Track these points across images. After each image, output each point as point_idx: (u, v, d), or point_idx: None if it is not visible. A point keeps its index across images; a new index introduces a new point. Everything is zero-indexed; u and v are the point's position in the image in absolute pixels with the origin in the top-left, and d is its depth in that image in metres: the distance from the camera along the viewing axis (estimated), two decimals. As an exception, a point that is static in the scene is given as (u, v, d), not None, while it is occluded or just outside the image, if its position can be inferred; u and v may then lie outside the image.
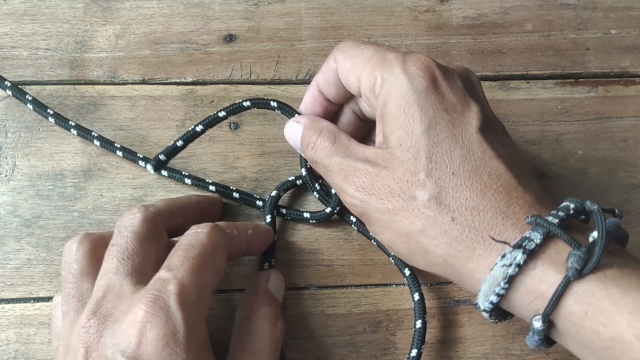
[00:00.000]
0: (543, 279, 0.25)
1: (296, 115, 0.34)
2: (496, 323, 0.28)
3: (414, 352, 0.32)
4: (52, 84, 0.39)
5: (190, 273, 0.27)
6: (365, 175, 0.29)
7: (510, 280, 0.25)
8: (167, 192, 0.37)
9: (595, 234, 0.25)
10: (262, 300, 0.32)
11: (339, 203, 0.35)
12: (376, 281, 0.36)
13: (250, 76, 0.40)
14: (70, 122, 0.37)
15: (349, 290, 0.36)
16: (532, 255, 0.25)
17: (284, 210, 0.36)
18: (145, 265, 0.28)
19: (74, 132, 0.37)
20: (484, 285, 0.26)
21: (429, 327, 0.35)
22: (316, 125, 0.32)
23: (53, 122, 0.37)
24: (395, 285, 0.36)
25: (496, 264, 0.26)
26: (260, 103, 0.35)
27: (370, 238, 0.36)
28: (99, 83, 0.40)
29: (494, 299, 0.26)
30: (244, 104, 0.35)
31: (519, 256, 0.25)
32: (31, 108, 0.37)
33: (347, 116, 0.35)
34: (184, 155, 0.38)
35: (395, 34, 0.42)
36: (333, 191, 0.35)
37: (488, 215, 0.27)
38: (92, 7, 0.41)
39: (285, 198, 0.37)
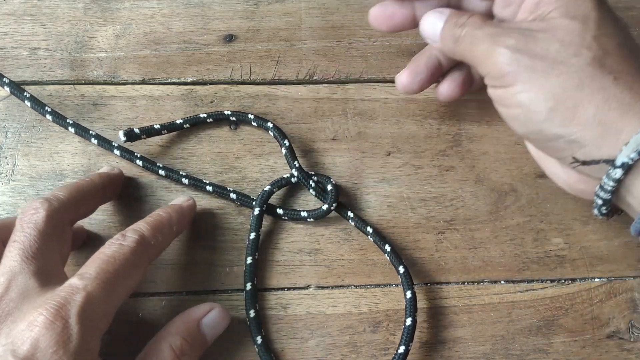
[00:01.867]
0: None
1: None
2: (600, 213, 0.29)
3: (401, 349, 0.32)
4: (52, 84, 0.39)
5: (101, 288, 0.27)
6: (520, 36, 0.29)
7: None
8: (167, 191, 0.37)
9: None
10: (183, 331, 0.30)
11: (336, 199, 0.35)
12: (376, 281, 0.36)
13: (250, 76, 0.40)
14: (67, 120, 0.37)
15: (349, 290, 0.36)
16: None
17: (280, 211, 0.36)
18: (49, 264, 0.28)
19: (72, 130, 0.37)
20: (637, 135, 0.26)
21: (429, 327, 0.35)
22: (461, 12, 0.32)
23: (51, 119, 0.37)
24: (395, 285, 0.36)
25: None
26: (239, 115, 0.38)
27: (367, 234, 0.36)
28: (99, 83, 0.40)
29: (635, 155, 0.26)
30: (225, 112, 0.38)
31: None
32: (29, 105, 0.37)
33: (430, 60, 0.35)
34: (184, 155, 0.38)
35: (395, 34, 0.42)
36: (329, 187, 0.36)
37: None
38: (92, 7, 0.41)
39: (282, 199, 0.37)
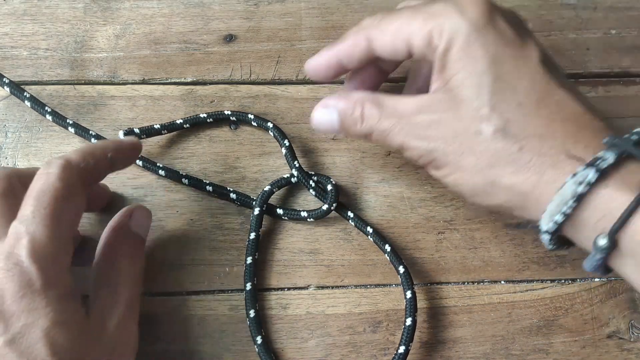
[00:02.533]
0: (614, 197, 0.25)
1: (321, 104, 0.33)
2: (553, 250, 0.29)
3: (401, 349, 0.32)
4: (52, 84, 0.39)
5: (43, 225, 0.26)
6: (429, 125, 0.29)
7: (580, 199, 0.25)
8: (167, 192, 0.37)
9: None
10: (122, 240, 0.32)
11: (336, 199, 0.35)
12: (376, 281, 0.36)
13: (250, 76, 0.40)
14: (67, 120, 0.37)
15: (349, 290, 0.36)
16: (604, 174, 0.25)
17: (280, 211, 0.36)
18: (1, 223, 0.28)
19: (72, 130, 0.37)
20: (551, 204, 0.26)
21: (429, 327, 0.35)
22: (351, 101, 0.31)
23: (51, 119, 0.37)
24: (395, 285, 0.36)
25: (566, 182, 0.26)
26: (239, 115, 0.38)
27: (367, 234, 0.36)
28: (99, 83, 0.40)
29: (559, 218, 0.26)
30: (226, 112, 0.38)
31: (591, 174, 0.25)
32: (29, 105, 0.37)
33: (365, 72, 0.34)
34: (184, 155, 0.38)
35: (395, 34, 0.42)
36: (329, 187, 0.36)
37: (558, 141, 0.27)
38: (92, 7, 0.41)
39: (282, 199, 0.37)
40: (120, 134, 0.36)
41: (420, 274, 0.36)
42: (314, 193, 0.36)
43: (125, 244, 0.32)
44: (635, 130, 0.27)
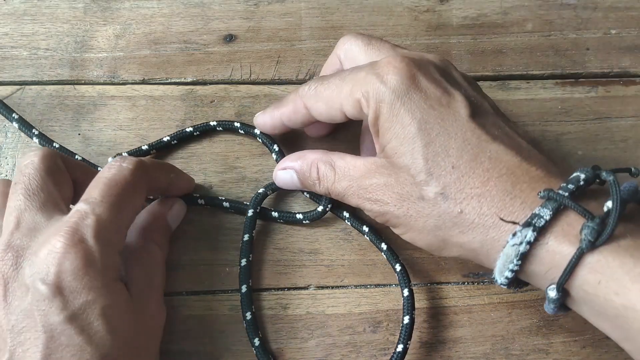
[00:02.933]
0: (557, 251, 0.26)
1: (279, 162, 0.35)
2: (516, 291, 0.29)
3: (399, 348, 0.32)
4: (52, 84, 0.39)
5: (109, 210, 0.28)
6: (378, 189, 0.30)
7: (523, 257, 0.26)
8: (167, 192, 0.37)
9: (609, 203, 0.25)
10: (157, 227, 0.33)
11: (331, 200, 0.35)
12: (376, 281, 0.36)
13: (250, 76, 0.40)
14: (33, 131, 0.37)
15: (349, 290, 0.36)
16: (542, 231, 0.26)
17: (275, 214, 0.36)
18: (52, 199, 0.29)
19: (36, 140, 0.37)
20: (498, 262, 0.27)
21: (429, 327, 0.35)
22: (307, 162, 0.33)
23: (17, 127, 0.37)
24: (395, 285, 0.36)
25: (508, 241, 0.26)
26: (225, 125, 0.38)
27: (363, 233, 0.36)
28: (99, 83, 0.40)
29: (508, 274, 0.27)
30: (234, 124, 0.37)
31: (529, 234, 0.26)
32: None
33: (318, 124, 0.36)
34: (184, 155, 0.38)
35: (395, 34, 0.42)
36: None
37: (495, 199, 0.27)
38: (92, 7, 0.41)
39: (277, 202, 0.37)
40: (110, 160, 0.36)
41: (420, 274, 0.36)
42: (307, 195, 0.36)
43: (160, 233, 0.33)
44: (572, 176, 0.27)
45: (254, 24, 0.42)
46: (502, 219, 0.27)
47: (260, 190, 0.36)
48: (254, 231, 0.35)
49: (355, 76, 0.30)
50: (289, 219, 0.36)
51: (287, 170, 0.34)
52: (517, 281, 0.28)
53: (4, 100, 0.39)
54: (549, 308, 0.27)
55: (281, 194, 0.37)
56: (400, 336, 0.32)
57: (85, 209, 0.27)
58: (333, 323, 0.35)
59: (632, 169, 0.28)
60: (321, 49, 0.41)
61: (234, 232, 0.36)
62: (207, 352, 0.34)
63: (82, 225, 0.27)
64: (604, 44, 0.42)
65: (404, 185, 0.29)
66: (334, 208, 0.36)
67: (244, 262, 0.35)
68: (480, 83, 0.41)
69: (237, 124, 0.37)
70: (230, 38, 0.41)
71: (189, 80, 0.40)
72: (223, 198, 0.36)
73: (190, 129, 0.37)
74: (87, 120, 0.38)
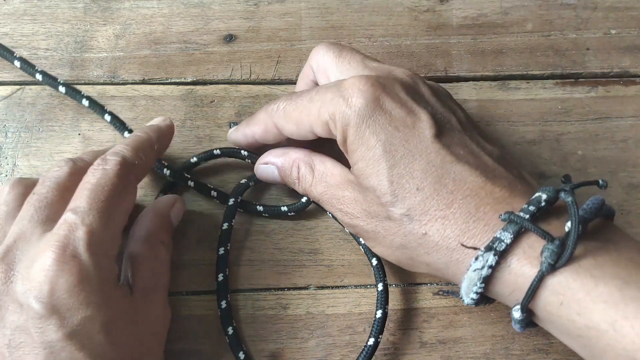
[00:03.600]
0: (519, 273, 0.26)
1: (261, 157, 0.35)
2: (485, 305, 0.30)
3: (370, 341, 0.32)
4: (52, 84, 0.39)
5: (99, 218, 0.27)
6: (349, 203, 0.30)
7: (485, 280, 0.26)
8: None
9: (570, 224, 0.25)
10: (163, 227, 0.33)
11: None
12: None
13: (250, 76, 0.40)
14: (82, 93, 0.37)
15: (349, 290, 0.36)
16: (503, 254, 0.26)
17: (261, 208, 0.36)
18: (59, 215, 0.28)
19: (85, 103, 0.37)
20: (463, 284, 0.27)
21: (429, 327, 0.35)
22: (289, 160, 0.33)
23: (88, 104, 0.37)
24: (395, 285, 0.36)
25: (470, 265, 0.27)
26: (230, 153, 0.36)
27: (344, 226, 0.35)
28: (99, 83, 0.40)
29: (473, 296, 0.27)
30: (214, 152, 0.37)
31: (490, 258, 0.26)
32: (64, 92, 0.38)
33: None
34: (184, 155, 0.38)
35: (395, 34, 0.42)
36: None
37: (459, 221, 0.27)
38: (92, 7, 0.41)
39: (262, 197, 0.37)
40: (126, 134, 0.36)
41: (420, 274, 0.36)
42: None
43: (165, 231, 0.33)
44: (534, 197, 0.27)
45: (254, 24, 0.42)
46: (463, 245, 0.27)
47: (242, 181, 0.36)
48: (233, 220, 0.35)
49: (323, 97, 0.30)
50: (274, 212, 0.36)
51: (269, 165, 0.34)
52: (485, 299, 0.29)
53: (4, 101, 0.39)
54: (515, 327, 0.28)
55: (267, 188, 0.37)
56: (372, 330, 0.33)
57: (74, 219, 0.27)
58: (333, 323, 0.35)
59: (600, 182, 0.28)
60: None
61: (234, 232, 0.36)
62: (207, 352, 0.34)
63: (72, 238, 0.26)
64: (604, 44, 0.42)
65: (371, 204, 0.29)
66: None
67: (221, 251, 0.35)
68: (480, 83, 0.41)
69: (244, 153, 0.36)
70: (230, 38, 0.41)
71: (189, 80, 0.40)
72: (212, 187, 0.36)
73: (195, 159, 0.37)
74: (87, 120, 0.38)
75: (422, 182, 0.28)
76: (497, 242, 0.26)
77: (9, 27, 0.41)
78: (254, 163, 0.35)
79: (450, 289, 0.34)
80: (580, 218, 0.25)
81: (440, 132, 0.29)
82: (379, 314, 0.33)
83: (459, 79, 0.41)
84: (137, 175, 0.31)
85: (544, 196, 0.27)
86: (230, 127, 0.39)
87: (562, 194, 0.26)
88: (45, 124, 0.38)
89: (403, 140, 0.29)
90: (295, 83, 0.40)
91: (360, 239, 0.35)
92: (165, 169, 0.35)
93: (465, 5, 0.43)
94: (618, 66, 0.42)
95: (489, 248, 0.26)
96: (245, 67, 0.41)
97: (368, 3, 0.43)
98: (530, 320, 0.27)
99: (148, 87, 0.40)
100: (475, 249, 0.27)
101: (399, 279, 0.36)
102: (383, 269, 0.34)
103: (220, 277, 0.34)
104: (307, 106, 0.31)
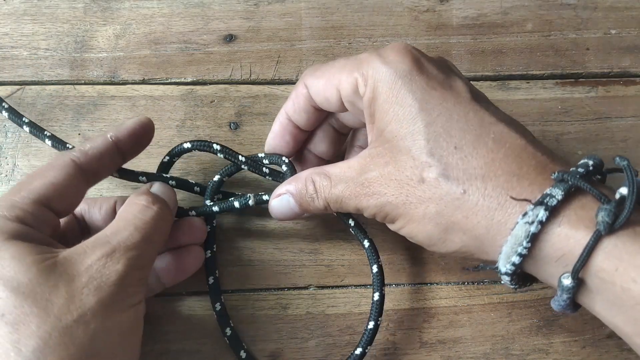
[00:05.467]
0: (570, 235, 0.24)
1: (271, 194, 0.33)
2: (516, 290, 0.28)
3: (358, 351, 0.32)
4: (52, 84, 0.39)
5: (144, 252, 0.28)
6: (374, 182, 0.29)
7: (533, 238, 0.25)
8: (167, 192, 0.37)
9: (623, 190, 0.24)
10: (138, 194, 0.31)
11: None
12: (376, 281, 0.36)
13: (250, 76, 0.40)
14: (23, 119, 0.35)
15: (349, 290, 0.36)
16: (554, 211, 0.25)
17: (250, 202, 0.33)
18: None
19: (26, 128, 0.34)
20: (505, 246, 0.25)
21: (429, 327, 0.35)
22: (301, 181, 0.31)
23: (28, 131, 0.35)
24: (395, 285, 0.36)
25: (517, 223, 0.25)
26: (202, 146, 0.34)
27: (347, 226, 0.34)
28: (99, 83, 0.40)
29: (516, 259, 0.25)
30: (184, 145, 0.34)
31: (541, 213, 0.24)
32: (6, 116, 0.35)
33: (323, 133, 0.35)
34: (184, 155, 0.38)
35: (395, 34, 0.42)
36: (284, 168, 0.34)
37: (501, 180, 0.26)
38: (92, 7, 0.41)
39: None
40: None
41: (420, 274, 0.36)
42: (270, 178, 0.34)
43: (140, 195, 0.32)
44: (581, 162, 0.26)
45: (254, 24, 0.42)
46: (512, 198, 0.25)
47: (216, 178, 0.35)
48: (214, 221, 0.35)
49: (358, 58, 0.30)
50: (260, 201, 0.33)
51: (282, 197, 0.32)
52: (520, 276, 0.27)
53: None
54: (559, 301, 0.26)
55: (245, 182, 0.37)
56: (361, 340, 0.32)
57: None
58: (333, 323, 0.35)
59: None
60: (321, 49, 0.41)
61: (234, 231, 0.36)
62: (207, 352, 0.34)
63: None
64: (604, 44, 0.42)
65: (404, 170, 0.28)
66: None
67: (208, 253, 0.34)
68: (480, 83, 0.41)
69: (216, 146, 0.34)
70: (230, 38, 0.41)
71: (189, 80, 0.40)
72: (194, 182, 0.35)
73: (188, 144, 0.34)
74: (87, 120, 0.38)
75: (461, 140, 0.27)
76: (548, 197, 0.25)
77: (9, 27, 0.41)
78: (227, 157, 0.34)
79: (481, 264, 0.29)
80: (638, 183, 0.24)
81: (477, 97, 0.29)
82: (370, 324, 0.32)
83: (459, 79, 0.41)
84: (88, 179, 0.30)
85: (591, 162, 0.26)
86: (231, 128, 0.39)
87: (618, 159, 0.25)
88: (45, 124, 0.38)
89: (440, 99, 0.28)
90: (295, 83, 0.40)
91: (365, 242, 0.33)
92: (140, 176, 0.33)
93: (465, 5, 0.43)
94: (618, 66, 0.42)
95: (539, 202, 0.25)
96: (245, 67, 0.41)
97: (368, 3, 0.43)
98: (573, 298, 0.25)
99: (148, 87, 0.40)
100: (527, 200, 0.25)
101: (399, 279, 0.36)
102: (383, 277, 0.33)
103: (211, 280, 0.34)
104: (342, 63, 0.30)
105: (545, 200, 0.25)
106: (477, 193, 0.26)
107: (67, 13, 0.41)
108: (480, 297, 0.36)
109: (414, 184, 0.27)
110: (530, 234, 0.25)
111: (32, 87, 0.39)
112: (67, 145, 0.33)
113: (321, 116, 0.33)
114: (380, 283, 0.32)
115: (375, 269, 0.33)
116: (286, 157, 0.34)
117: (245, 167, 0.34)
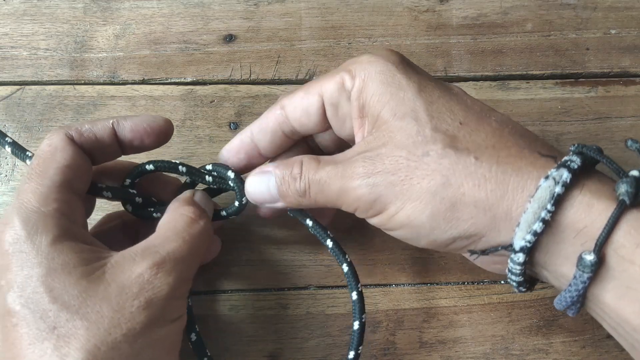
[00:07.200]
0: (592, 203, 0.23)
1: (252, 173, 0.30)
2: (520, 291, 0.27)
3: (351, 355, 0.31)
4: (52, 84, 0.39)
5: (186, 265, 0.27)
6: (364, 161, 0.27)
7: (558, 200, 0.23)
8: (167, 192, 0.37)
9: (634, 172, 0.23)
10: (184, 204, 0.29)
11: (242, 192, 0.31)
12: (376, 281, 0.36)
13: (250, 76, 0.40)
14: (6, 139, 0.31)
15: (349, 290, 0.36)
16: (576, 176, 0.23)
17: (222, 212, 0.32)
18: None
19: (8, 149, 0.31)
20: (526, 214, 0.23)
21: (429, 327, 0.35)
22: (289, 163, 0.29)
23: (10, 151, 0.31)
24: (395, 285, 0.36)
25: (540, 185, 0.23)
26: (166, 167, 0.31)
27: (308, 227, 0.32)
28: (98, 83, 0.40)
29: (538, 227, 0.23)
30: (147, 167, 0.31)
31: (565, 174, 0.23)
32: None
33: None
34: (184, 155, 0.38)
35: (395, 34, 0.42)
36: (230, 181, 0.31)
37: (512, 149, 0.25)
38: (92, 7, 0.41)
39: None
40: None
41: (420, 274, 0.36)
42: (215, 187, 0.32)
43: (187, 206, 0.30)
44: (588, 145, 0.26)
45: (254, 24, 0.42)
46: (539, 153, 0.24)
47: (149, 167, 0.31)
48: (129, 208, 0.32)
49: (340, 66, 0.29)
50: (215, 217, 0.32)
51: (264, 175, 0.30)
52: (528, 281, 0.26)
53: (4, 101, 0.39)
54: (573, 291, 0.24)
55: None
56: (351, 342, 0.31)
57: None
58: (333, 323, 0.35)
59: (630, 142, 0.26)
60: (321, 49, 0.41)
61: (234, 232, 0.36)
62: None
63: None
64: (604, 44, 0.42)
65: (404, 148, 0.26)
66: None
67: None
68: (480, 83, 0.41)
69: (182, 168, 0.32)
70: (230, 38, 0.41)
71: (189, 80, 0.40)
72: (178, 162, 0.32)
73: (151, 166, 0.31)
74: (87, 120, 0.38)
75: (465, 118, 0.26)
76: (569, 161, 0.24)
77: (9, 27, 0.41)
78: (190, 177, 0.32)
79: (487, 248, 0.26)
80: None
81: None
82: (355, 325, 0.31)
83: (459, 79, 0.41)
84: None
85: (594, 146, 0.25)
86: (230, 128, 0.39)
87: (630, 141, 0.25)
88: (45, 124, 0.38)
89: (437, 88, 0.27)
90: (295, 83, 0.40)
91: (328, 241, 0.31)
92: (105, 192, 0.30)
93: (465, 5, 0.43)
94: (618, 66, 0.42)
95: (562, 165, 0.23)
96: (245, 67, 0.41)
97: (368, 3, 0.43)
98: (586, 290, 0.24)
99: (148, 87, 0.40)
100: (552, 157, 0.24)
101: (399, 279, 0.36)
102: (356, 276, 0.31)
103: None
104: (319, 77, 0.30)
105: (567, 164, 0.24)
106: (490, 159, 0.25)
107: (67, 13, 0.41)
108: (480, 297, 0.36)
109: (416, 158, 0.26)
110: (555, 195, 0.23)
111: (32, 87, 0.39)
112: (27, 152, 0.31)
113: (286, 143, 0.32)
114: (355, 281, 0.31)
115: (345, 267, 0.31)
116: (232, 171, 0.32)
117: (213, 185, 0.32)
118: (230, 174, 0.31)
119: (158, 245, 0.27)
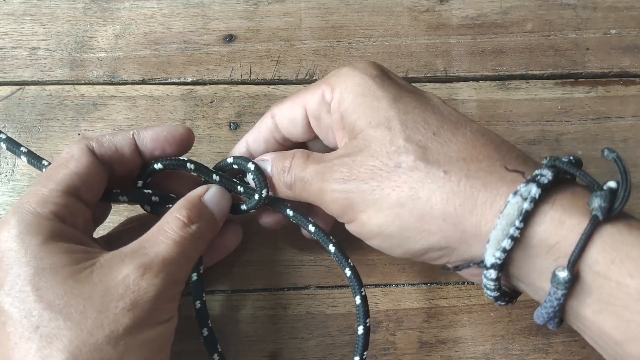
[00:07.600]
0: (563, 219, 0.23)
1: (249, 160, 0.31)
2: (499, 304, 0.26)
3: (356, 359, 0.30)
4: (52, 84, 0.39)
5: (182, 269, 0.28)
6: (341, 166, 0.27)
7: (526, 217, 0.23)
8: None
9: (611, 183, 0.23)
10: (186, 204, 0.29)
11: (264, 184, 0.31)
12: (376, 281, 0.36)
13: (250, 76, 0.40)
14: (21, 149, 0.31)
15: (349, 290, 0.36)
16: (546, 191, 0.23)
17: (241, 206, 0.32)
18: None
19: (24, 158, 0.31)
20: (495, 231, 0.23)
21: (429, 327, 0.35)
22: (284, 153, 0.31)
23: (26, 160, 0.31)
24: (395, 285, 0.36)
25: (508, 202, 0.23)
26: (174, 165, 0.31)
27: (310, 232, 0.32)
28: (98, 83, 0.40)
29: (507, 244, 0.23)
30: (155, 166, 0.31)
31: (534, 190, 0.23)
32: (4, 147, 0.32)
33: None
34: (184, 155, 0.38)
35: (395, 34, 0.42)
36: (250, 176, 0.31)
37: (483, 163, 0.25)
38: (92, 7, 0.41)
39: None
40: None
41: (420, 274, 0.36)
42: (246, 197, 0.32)
43: (185, 208, 0.30)
44: (560, 157, 0.25)
45: (254, 24, 0.42)
46: (506, 168, 0.24)
47: (156, 166, 0.31)
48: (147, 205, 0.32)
49: (323, 79, 0.30)
50: (234, 211, 0.32)
51: (262, 165, 0.31)
52: (508, 294, 0.26)
53: (4, 101, 0.39)
54: (548, 306, 0.23)
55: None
56: (356, 348, 0.30)
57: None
58: (333, 323, 0.35)
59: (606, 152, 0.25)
60: (321, 49, 0.41)
61: (234, 232, 0.36)
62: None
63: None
64: (604, 44, 0.42)
65: (377, 156, 0.26)
66: (275, 203, 0.32)
67: (193, 277, 0.32)
68: (480, 83, 0.41)
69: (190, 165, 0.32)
70: (230, 38, 0.41)
71: (189, 80, 0.40)
72: (186, 159, 0.32)
73: (160, 165, 0.31)
74: (87, 120, 0.38)
75: (439, 128, 0.26)
76: (539, 176, 0.23)
77: (9, 27, 0.41)
78: (198, 174, 0.32)
79: (459, 264, 0.27)
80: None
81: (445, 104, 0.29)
82: (360, 330, 0.30)
83: (459, 79, 0.41)
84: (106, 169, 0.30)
85: (571, 157, 0.25)
86: (230, 128, 0.39)
87: (606, 152, 0.23)
88: (45, 124, 0.38)
89: (413, 99, 0.28)
90: (295, 83, 0.40)
91: (330, 247, 0.31)
92: (120, 196, 0.31)
93: (465, 5, 0.43)
94: (618, 66, 0.42)
95: (531, 180, 0.23)
96: (245, 67, 0.41)
97: (368, 3, 0.43)
98: (563, 305, 0.23)
99: (148, 87, 0.40)
100: (520, 172, 0.23)
101: (399, 279, 0.36)
102: (359, 279, 0.31)
103: (194, 276, 0.31)
104: (305, 88, 0.31)
105: (537, 179, 0.23)
106: (459, 173, 0.25)
107: (67, 13, 0.41)
108: (480, 297, 0.36)
109: (389, 169, 0.26)
110: (523, 211, 0.23)
111: (32, 87, 0.39)
112: (43, 161, 0.31)
113: (281, 150, 0.32)
114: (358, 285, 0.31)
115: (348, 272, 0.31)
116: (253, 162, 0.31)
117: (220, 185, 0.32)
118: (251, 166, 0.31)
119: (147, 247, 0.27)
